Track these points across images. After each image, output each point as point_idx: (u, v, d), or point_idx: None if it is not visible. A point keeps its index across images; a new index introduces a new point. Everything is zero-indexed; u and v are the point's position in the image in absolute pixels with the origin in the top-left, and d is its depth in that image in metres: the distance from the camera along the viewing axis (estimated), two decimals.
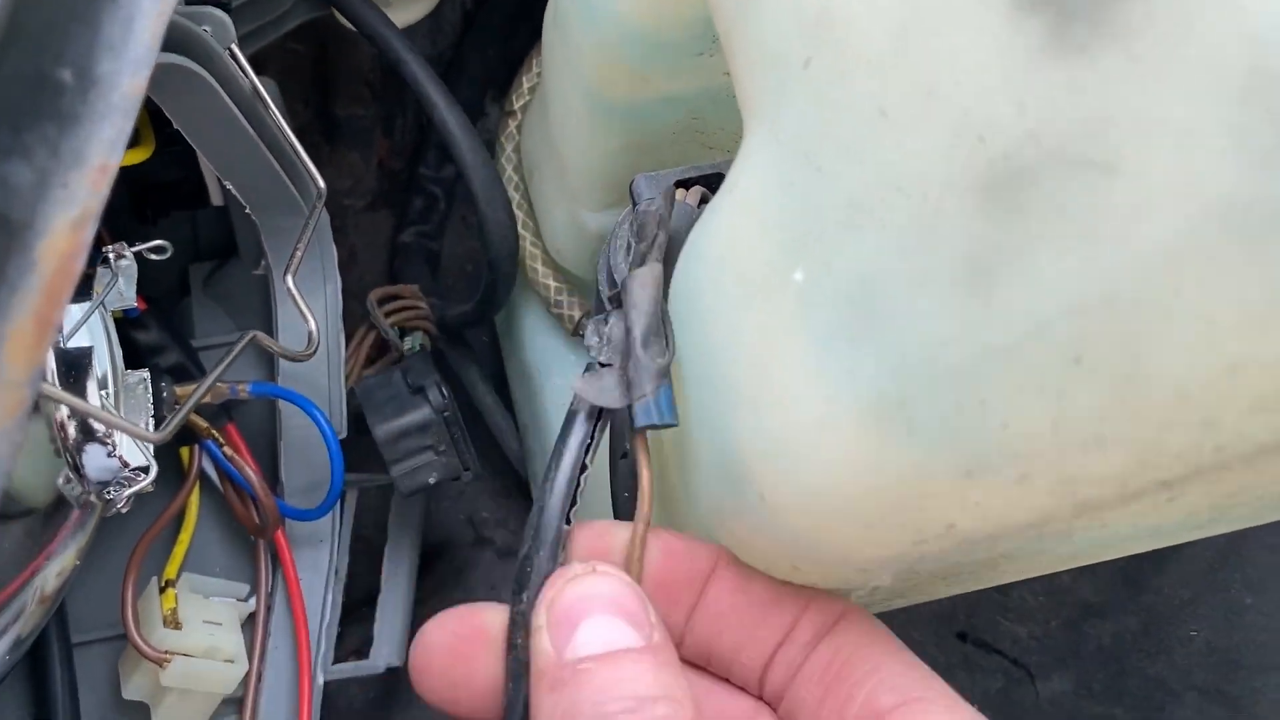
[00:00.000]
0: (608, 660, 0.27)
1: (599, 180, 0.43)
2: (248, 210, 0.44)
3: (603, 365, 0.31)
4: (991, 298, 0.22)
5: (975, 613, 0.52)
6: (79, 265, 0.21)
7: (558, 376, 0.53)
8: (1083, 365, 0.21)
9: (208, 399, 0.46)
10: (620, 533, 0.31)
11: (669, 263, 0.34)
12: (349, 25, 0.52)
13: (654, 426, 0.30)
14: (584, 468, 0.32)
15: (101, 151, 0.22)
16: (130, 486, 0.37)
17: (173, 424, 0.34)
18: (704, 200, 0.35)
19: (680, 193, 0.36)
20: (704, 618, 0.31)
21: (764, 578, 0.31)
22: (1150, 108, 0.19)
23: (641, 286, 0.32)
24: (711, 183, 0.35)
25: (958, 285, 0.22)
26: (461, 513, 0.64)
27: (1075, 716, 0.51)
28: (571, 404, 0.32)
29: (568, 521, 0.31)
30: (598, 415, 0.32)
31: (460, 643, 0.30)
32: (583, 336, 0.53)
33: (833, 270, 0.25)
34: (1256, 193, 0.18)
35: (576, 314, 0.52)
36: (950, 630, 0.52)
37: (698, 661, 0.32)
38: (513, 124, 0.53)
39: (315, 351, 0.38)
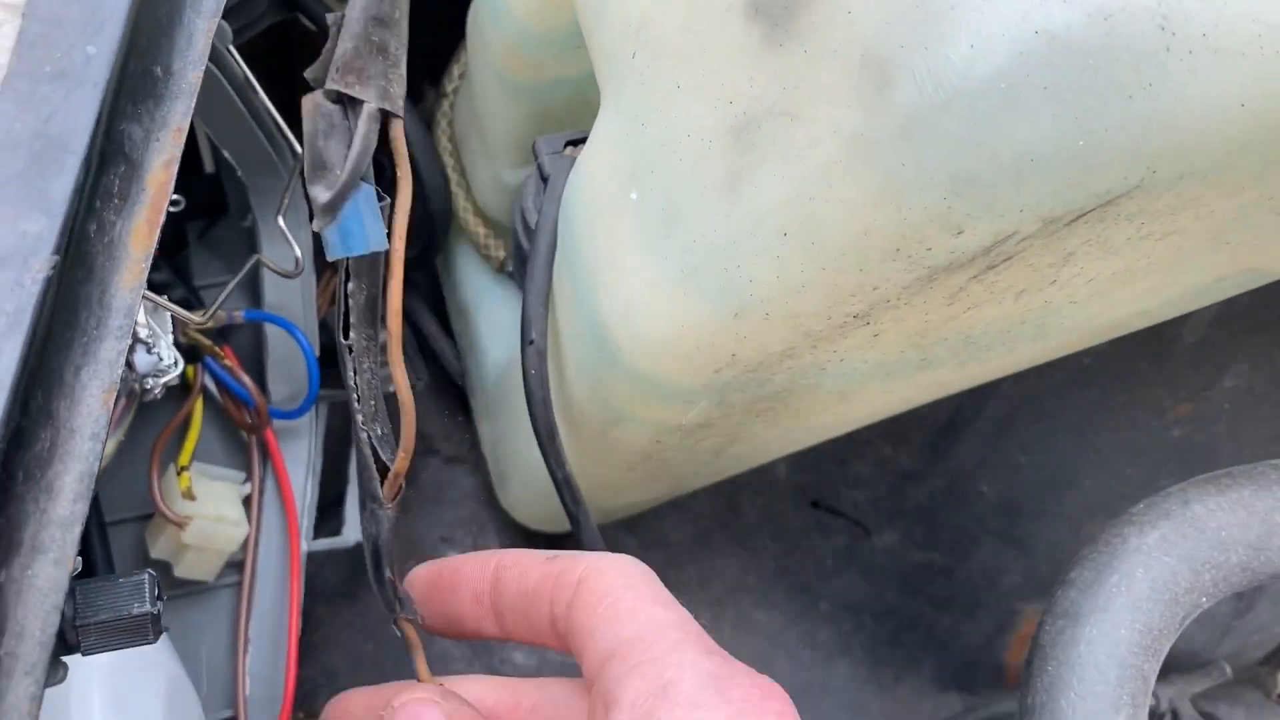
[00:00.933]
0: None
1: (512, 143, 0.56)
2: (239, 174, 0.57)
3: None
4: (737, 201, 0.35)
5: (824, 484, 0.66)
6: (170, 190, 0.34)
7: (487, 306, 0.66)
8: (788, 238, 0.34)
9: (210, 324, 0.58)
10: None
11: (556, 200, 0.46)
12: (310, 25, 0.65)
13: (358, 257, 0.32)
14: (348, 325, 0.35)
15: (178, 119, 0.34)
16: (163, 377, 0.49)
17: (214, 309, 0.47)
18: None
19: (570, 149, 0.49)
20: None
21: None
22: (815, 80, 0.33)
23: (306, 118, 0.32)
24: (592, 129, 0.47)
25: (720, 195, 0.36)
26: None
27: (903, 562, 0.65)
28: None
29: (345, 335, 0.34)
30: (345, 266, 0.34)
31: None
32: (508, 273, 0.66)
33: (652, 191, 0.38)
34: (867, 127, 0.32)
35: (501, 254, 0.65)
36: (805, 499, 0.66)
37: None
38: (446, 103, 0.66)
39: (302, 271, 0.50)
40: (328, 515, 0.69)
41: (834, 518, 0.66)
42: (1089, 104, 0.30)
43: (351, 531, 0.65)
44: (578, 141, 0.49)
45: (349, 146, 0.32)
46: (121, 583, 0.34)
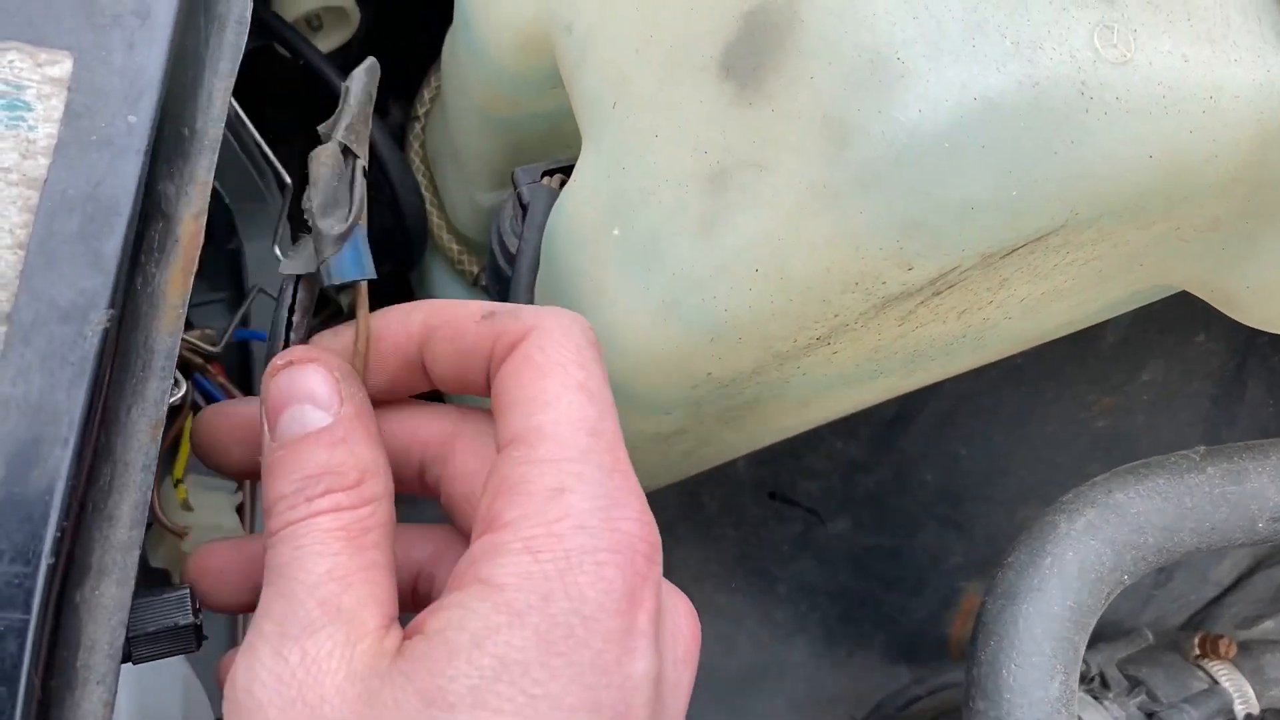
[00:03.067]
0: (298, 443, 0.31)
1: (487, 170, 0.59)
2: (226, 201, 0.60)
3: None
4: (713, 240, 0.39)
5: (780, 476, 0.70)
6: (200, 239, 0.37)
7: None
8: (759, 274, 0.39)
9: (199, 342, 0.61)
10: (348, 331, 0.35)
11: (535, 228, 0.50)
12: (284, 52, 0.68)
13: (346, 282, 0.35)
14: (290, 325, 0.37)
15: (203, 174, 0.38)
16: (171, 399, 0.53)
17: (227, 335, 0.50)
18: (563, 183, 0.52)
19: (546, 179, 0.53)
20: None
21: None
22: (781, 136, 0.37)
23: (320, 165, 0.35)
24: (568, 170, 0.51)
25: (697, 235, 0.40)
26: None
27: (855, 545, 0.70)
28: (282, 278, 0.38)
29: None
30: (296, 281, 0.37)
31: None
32: (482, 287, 0.70)
33: (634, 229, 0.42)
34: (829, 179, 0.36)
35: (475, 269, 0.68)
36: (763, 491, 0.71)
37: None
38: (418, 125, 0.69)
39: None
40: None
41: (790, 507, 0.71)
42: (1021, 159, 0.35)
43: None
44: (554, 171, 0.52)
45: (350, 192, 0.36)
46: (167, 597, 0.37)
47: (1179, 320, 0.63)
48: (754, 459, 0.72)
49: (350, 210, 0.35)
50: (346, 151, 0.36)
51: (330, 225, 0.35)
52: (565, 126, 0.50)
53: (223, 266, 0.66)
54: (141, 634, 0.36)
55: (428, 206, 0.67)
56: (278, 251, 0.52)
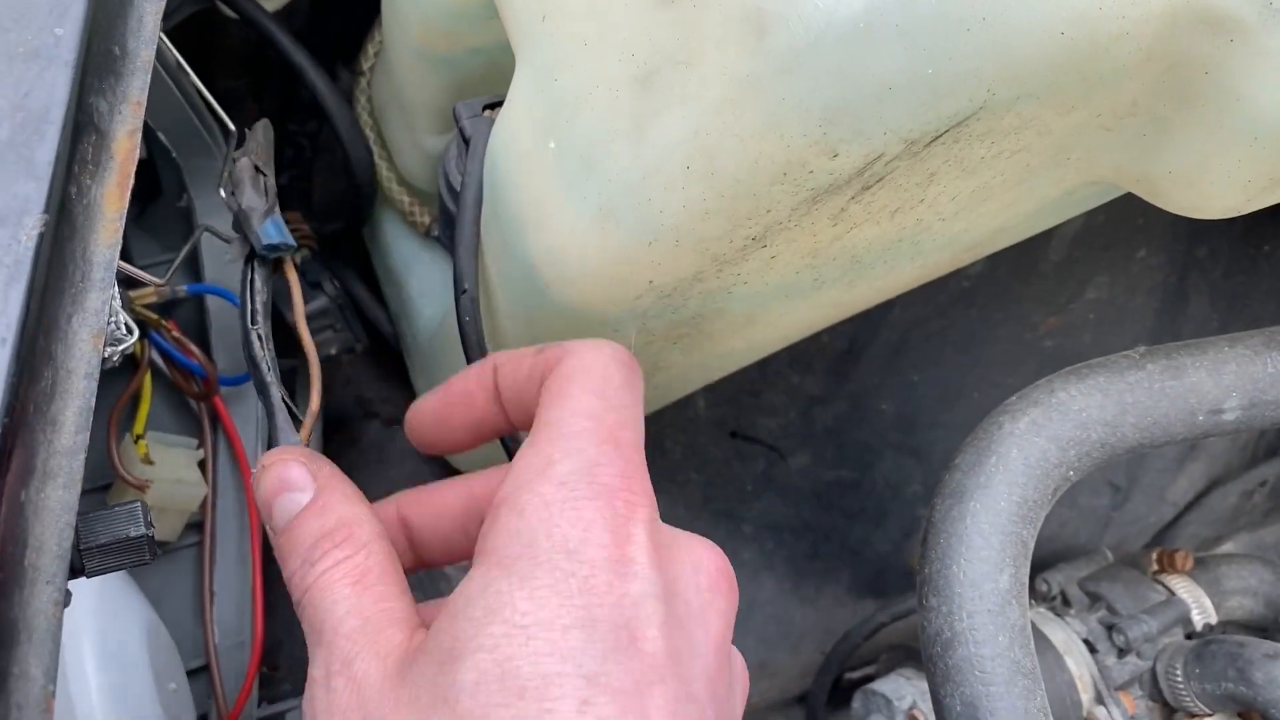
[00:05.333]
0: (291, 524, 0.36)
1: (432, 112, 0.60)
2: (174, 155, 0.60)
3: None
4: (645, 142, 0.40)
5: (740, 415, 0.71)
6: (135, 157, 0.38)
7: (417, 269, 0.70)
8: (690, 170, 0.39)
9: (154, 298, 0.62)
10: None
11: (478, 159, 0.51)
12: (229, 13, 0.68)
13: (274, 249, 0.46)
14: (253, 299, 0.46)
15: (137, 93, 0.38)
16: (121, 345, 0.53)
17: (174, 268, 0.50)
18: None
19: (488, 112, 0.54)
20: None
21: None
22: (704, 31, 0.38)
23: (242, 173, 0.48)
24: (509, 89, 0.51)
25: (630, 138, 0.40)
26: (351, 395, 0.81)
27: (816, 480, 0.71)
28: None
29: (259, 339, 0.45)
30: (247, 266, 0.47)
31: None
32: (435, 237, 0.70)
33: (569, 139, 0.43)
34: (751, 69, 0.37)
35: (427, 220, 0.69)
36: (724, 431, 0.72)
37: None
38: (364, 81, 0.69)
39: None
40: None
41: (751, 445, 0.72)
42: (934, 38, 0.35)
43: None
44: (495, 105, 0.53)
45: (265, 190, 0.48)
46: (116, 510, 0.37)
47: (1119, 237, 0.64)
48: (713, 399, 0.73)
49: (267, 199, 0.47)
50: (258, 170, 0.48)
51: (253, 204, 0.47)
52: (504, 62, 0.51)
53: (174, 225, 0.66)
54: (94, 546, 0.37)
55: (377, 160, 0.67)
56: (223, 194, 0.53)
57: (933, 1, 0.35)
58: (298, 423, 0.44)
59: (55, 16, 0.35)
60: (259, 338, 0.45)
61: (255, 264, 0.47)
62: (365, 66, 0.69)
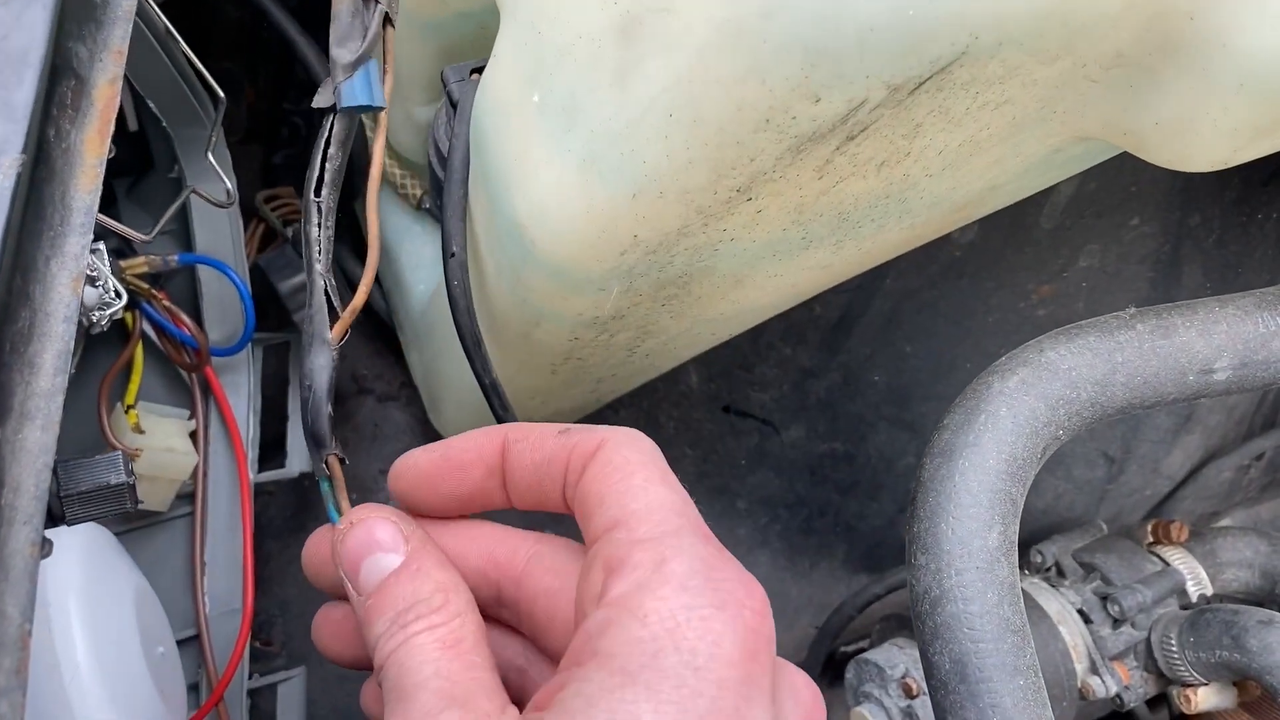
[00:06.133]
0: (383, 587, 0.34)
1: (421, 81, 0.60)
2: (164, 124, 0.60)
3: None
4: (628, 91, 0.40)
5: (733, 390, 0.71)
6: (116, 104, 0.38)
7: (407, 243, 0.70)
8: (673, 119, 0.39)
9: (145, 268, 0.62)
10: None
11: (466, 121, 0.51)
12: None
13: (360, 108, 0.38)
14: (326, 156, 0.40)
15: (118, 42, 0.38)
16: (109, 309, 0.53)
17: (159, 226, 0.50)
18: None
19: (475, 75, 0.54)
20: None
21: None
22: None
23: (340, 3, 0.38)
24: (494, 45, 0.51)
25: (612, 87, 0.40)
26: (345, 371, 0.81)
27: (810, 453, 0.71)
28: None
29: (319, 212, 0.39)
30: (330, 117, 0.40)
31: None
32: (426, 210, 0.70)
33: (552, 92, 0.43)
34: (732, 12, 0.37)
35: (419, 192, 0.69)
36: (717, 406, 0.71)
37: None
38: None
39: (234, 201, 0.54)
40: (270, 454, 0.73)
41: (745, 420, 0.71)
42: None
43: (295, 463, 0.69)
44: (482, 69, 0.53)
45: (366, 29, 0.40)
46: (97, 459, 0.38)
47: (1112, 205, 0.63)
48: (705, 374, 0.72)
49: (363, 43, 0.38)
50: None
51: (342, 55, 0.38)
52: (492, 26, 0.50)
53: (168, 197, 0.66)
54: (74, 493, 0.37)
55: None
56: (211, 159, 0.53)
57: None
58: (335, 318, 0.40)
59: None
60: (319, 211, 0.40)
61: (335, 119, 0.40)
62: None
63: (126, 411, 0.61)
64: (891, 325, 0.66)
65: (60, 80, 0.36)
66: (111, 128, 0.37)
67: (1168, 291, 0.66)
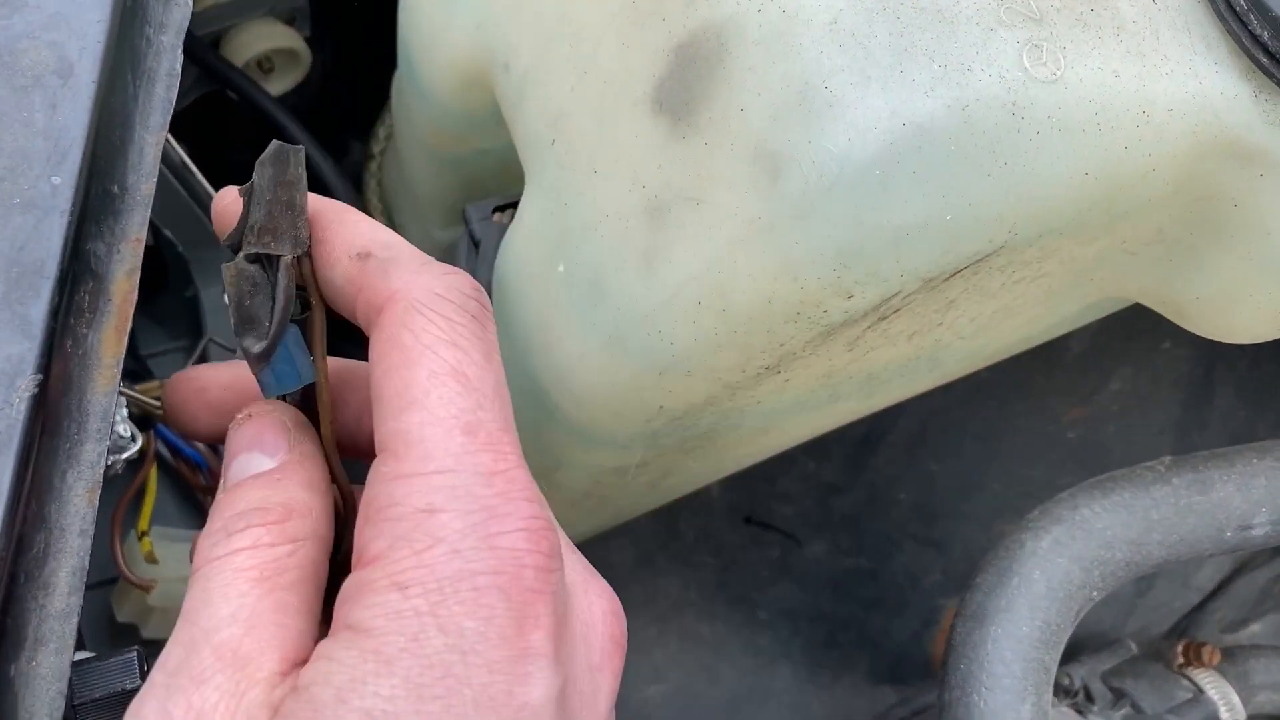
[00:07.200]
0: (239, 485, 0.31)
1: (441, 207, 0.59)
2: (180, 249, 0.59)
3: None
4: (655, 274, 0.39)
5: (755, 500, 0.70)
6: (134, 297, 0.37)
7: None
8: (702, 306, 0.38)
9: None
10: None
11: (487, 264, 0.50)
12: (233, 96, 0.68)
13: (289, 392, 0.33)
14: None
15: (136, 230, 0.37)
16: (124, 453, 0.52)
17: None
18: (514, 218, 0.51)
19: (498, 215, 0.53)
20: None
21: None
22: (715, 169, 0.37)
23: (228, 285, 0.33)
24: (518, 205, 0.51)
25: (639, 269, 0.39)
26: None
27: (833, 568, 0.70)
28: None
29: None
30: None
31: None
32: None
33: (578, 265, 0.42)
34: (763, 211, 0.36)
35: None
36: (739, 516, 0.70)
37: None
38: (374, 164, 0.69)
39: None
40: None
41: (767, 531, 0.70)
42: (953, 183, 0.34)
43: None
44: (505, 207, 0.52)
45: (273, 300, 0.33)
46: (112, 662, 0.37)
47: (1144, 328, 0.62)
48: (728, 485, 0.71)
49: (269, 325, 0.32)
50: (259, 258, 0.33)
51: (250, 345, 0.32)
52: (515, 162, 0.50)
53: (181, 315, 0.65)
54: (88, 700, 0.36)
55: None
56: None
57: (950, 147, 0.34)
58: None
59: (53, 165, 0.35)
60: None
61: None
62: (376, 150, 0.69)
63: (140, 539, 0.60)
64: (918, 444, 0.66)
65: (78, 286, 0.35)
66: (129, 323, 0.37)
67: (1200, 414, 0.65)
